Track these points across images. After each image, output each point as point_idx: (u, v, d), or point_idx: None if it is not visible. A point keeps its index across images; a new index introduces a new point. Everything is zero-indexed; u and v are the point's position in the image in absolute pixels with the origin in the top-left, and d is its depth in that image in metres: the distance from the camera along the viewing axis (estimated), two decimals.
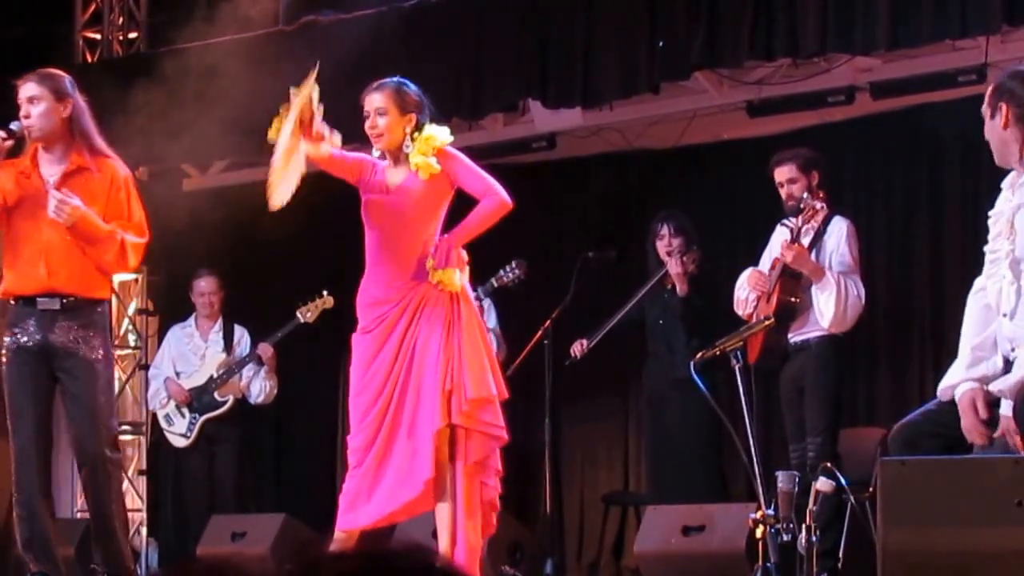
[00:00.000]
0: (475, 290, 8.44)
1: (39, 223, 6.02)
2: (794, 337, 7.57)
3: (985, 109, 5.01)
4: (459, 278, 6.00)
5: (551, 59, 8.57)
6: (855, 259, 7.51)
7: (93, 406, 6.04)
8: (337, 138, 6.01)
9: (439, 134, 6.03)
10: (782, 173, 7.62)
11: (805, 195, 7.40)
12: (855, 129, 9.06)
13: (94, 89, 7.78)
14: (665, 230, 8.54)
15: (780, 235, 7.72)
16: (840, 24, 7.67)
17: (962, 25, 7.43)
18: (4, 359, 6.07)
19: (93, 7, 10.82)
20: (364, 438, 6.00)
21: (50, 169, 6.08)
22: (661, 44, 8.18)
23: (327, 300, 9.29)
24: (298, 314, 9.34)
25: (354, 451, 6.05)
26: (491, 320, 8.76)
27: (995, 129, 4.96)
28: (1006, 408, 4.73)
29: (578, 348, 8.73)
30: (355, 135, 9.37)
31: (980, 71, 8.06)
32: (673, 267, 8.48)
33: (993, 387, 4.80)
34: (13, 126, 6.04)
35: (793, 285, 7.51)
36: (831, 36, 7.72)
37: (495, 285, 8.64)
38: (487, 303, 8.74)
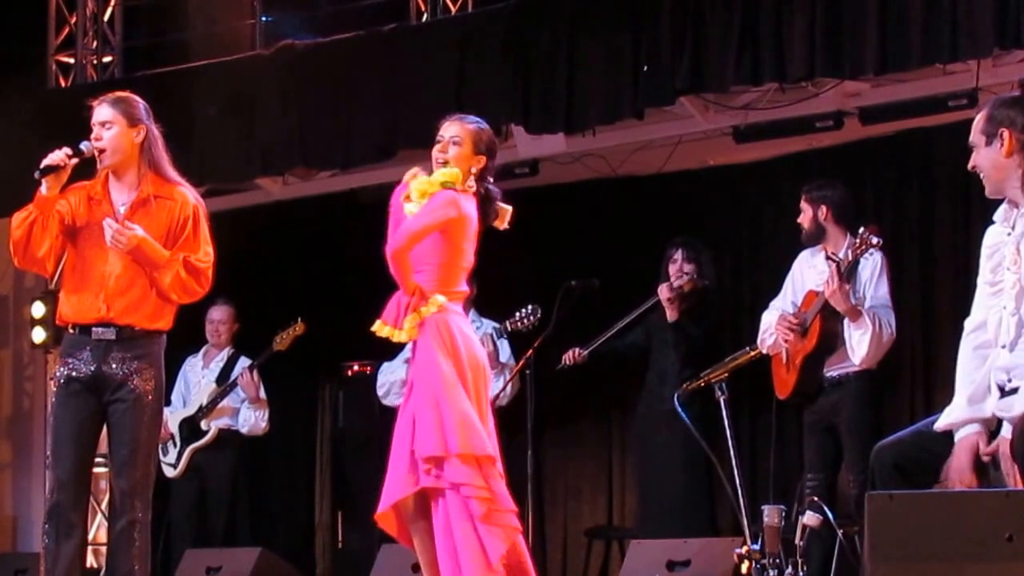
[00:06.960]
0: (490, 329, 8.36)
1: (104, 251, 5.96)
2: (830, 371, 7.46)
3: (978, 137, 4.88)
4: (388, 331, 5.72)
5: (534, 84, 8.51)
6: (889, 293, 7.43)
7: (136, 439, 5.95)
8: None
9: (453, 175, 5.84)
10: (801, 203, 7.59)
11: (861, 229, 7.25)
12: (844, 155, 8.97)
13: (68, 114, 7.66)
14: (678, 255, 8.48)
15: (805, 264, 7.63)
16: (828, 48, 7.62)
17: (952, 49, 7.37)
18: (54, 388, 6.03)
19: (66, 30, 10.70)
20: None
21: (120, 196, 6.03)
22: (645, 69, 8.11)
23: (299, 327, 9.11)
24: (274, 341, 9.19)
25: None
26: (503, 354, 8.62)
27: (992, 157, 4.84)
28: (1006, 431, 4.66)
29: (571, 356, 8.60)
30: (331, 160, 9.34)
31: (971, 96, 7.98)
32: (663, 293, 8.38)
33: (997, 406, 4.71)
34: (83, 146, 5.97)
35: (834, 320, 7.39)
36: (819, 60, 7.68)
37: (508, 328, 8.48)
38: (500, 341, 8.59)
